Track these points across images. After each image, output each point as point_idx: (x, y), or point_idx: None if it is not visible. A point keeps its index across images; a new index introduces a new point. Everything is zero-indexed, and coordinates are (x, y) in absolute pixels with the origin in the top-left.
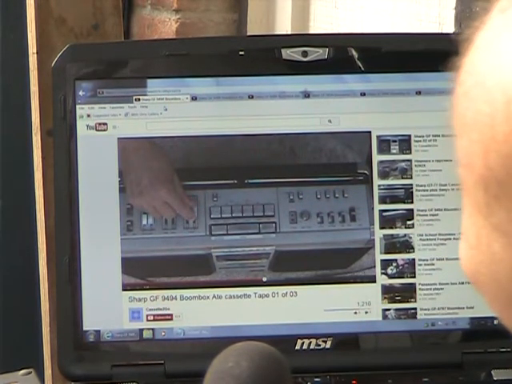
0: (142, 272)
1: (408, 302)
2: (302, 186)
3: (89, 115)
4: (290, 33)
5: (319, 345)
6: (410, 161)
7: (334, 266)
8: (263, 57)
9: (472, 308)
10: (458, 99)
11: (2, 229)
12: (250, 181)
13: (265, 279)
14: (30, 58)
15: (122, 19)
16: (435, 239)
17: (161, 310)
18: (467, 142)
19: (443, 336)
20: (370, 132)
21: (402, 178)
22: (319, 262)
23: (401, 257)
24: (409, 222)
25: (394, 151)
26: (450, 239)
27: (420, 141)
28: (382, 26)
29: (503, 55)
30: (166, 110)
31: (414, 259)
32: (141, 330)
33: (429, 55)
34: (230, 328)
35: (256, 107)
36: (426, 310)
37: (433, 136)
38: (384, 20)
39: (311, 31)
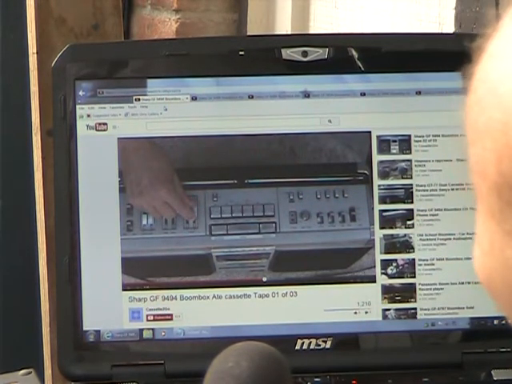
0: (142, 272)
1: (408, 302)
2: (302, 186)
3: (89, 115)
4: (290, 33)
5: (319, 345)
6: (410, 161)
7: (334, 266)
8: (263, 57)
9: (472, 308)
10: (470, 107)
11: (2, 229)
12: (250, 181)
13: (265, 279)
14: (30, 58)
15: (121, 19)
16: (435, 239)
17: (161, 310)
18: (480, 149)
19: (443, 336)
20: (370, 132)
21: (402, 178)
22: (319, 262)
23: (401, 257)
24: (409, 222)
25: (394, 151)
26: (450, 239)
27: (420, 141)
28: (382, 26)
29: None
30: (166, 109)
31: (413, 259)
32: (141, 330)
33: (429, 55)
34: (230, 328)
35: (256, 107)
36: (425, 310)
37: (433, 136)
38: (384, 20)
39: (311, 31)
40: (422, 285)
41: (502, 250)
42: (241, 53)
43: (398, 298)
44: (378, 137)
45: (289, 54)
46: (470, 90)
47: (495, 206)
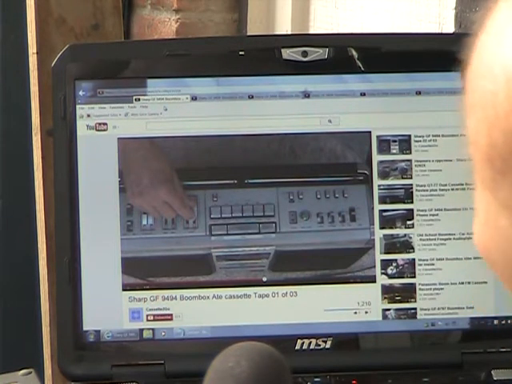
0: (142, 272)
1: (408, 302)
2: (302, 186)
3: (89, 115)
4: (290, 33)
5: (319, 345)
6: (410, 161)
7: (334, 266)
8: (263, 57)
9: (472, 308)
10: (467, 81)
11: (2, 229)
12: (250, 181)
13: (265, 279)
14: (30, 58)
15: (121, 19)
16: (435, 239)
17: (161, 310)
18: (474, 120)
19: (443, 336)
20: (369, 132)
21: (402, 178)
22: (319, 262)
23: (401, 257)
24: (409, 222)
25: (394, 151)
26: (450, 239)
27: (420, 141)
28: (382, 26)
29: (507, 38)
30: (166, 109)
31: (414, 259)
32: (141, 330)
33: (429, 55)
34: (230, 328)
35: (256, 107)
36: (425, 310)
37: (433, 136)
38: (384, 20)
39: (311, 31)
40: (422, 285)
41: (496, 220)
42: (241, 53)
43: (397, 297)
44: (377, 137)
45: (289, 53)
46: (468, 64)
47: (488, 175)
